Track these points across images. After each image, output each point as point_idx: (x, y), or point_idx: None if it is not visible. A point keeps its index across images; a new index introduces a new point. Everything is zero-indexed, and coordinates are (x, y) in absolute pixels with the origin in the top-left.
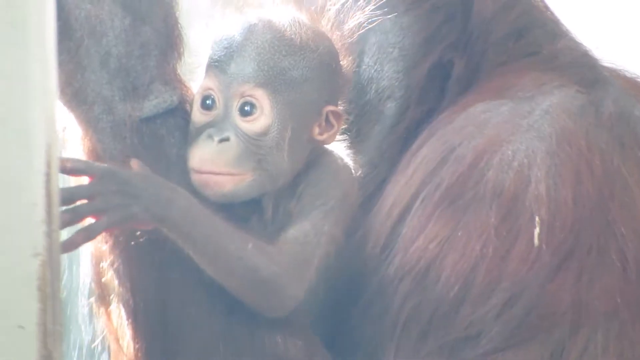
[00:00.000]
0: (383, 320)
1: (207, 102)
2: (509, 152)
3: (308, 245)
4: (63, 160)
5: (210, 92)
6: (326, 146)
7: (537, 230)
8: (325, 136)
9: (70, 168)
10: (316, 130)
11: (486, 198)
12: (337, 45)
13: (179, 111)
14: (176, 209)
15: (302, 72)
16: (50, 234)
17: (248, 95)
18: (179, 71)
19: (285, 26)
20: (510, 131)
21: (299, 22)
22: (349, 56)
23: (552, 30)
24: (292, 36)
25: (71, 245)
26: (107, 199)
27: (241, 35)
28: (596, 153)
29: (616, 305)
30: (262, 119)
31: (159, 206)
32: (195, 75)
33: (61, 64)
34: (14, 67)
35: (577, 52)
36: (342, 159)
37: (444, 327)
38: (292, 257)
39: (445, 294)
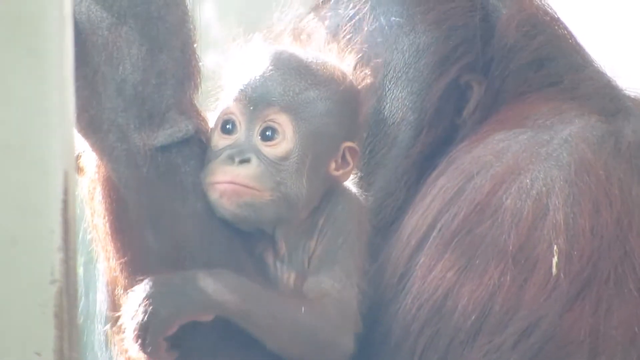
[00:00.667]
0: (401, 349)
1: (228, 126)
2: (527, 181)
3: (347, 291)
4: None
5: (232, 116)
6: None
7: (555, 260)
8: (340, 172)
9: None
10: (333, 165)
11: (504, 226)
12: (359, 84)
13: (195, 141)
14: (224, 294)
15: (325, 104)
16: (67, 261)
17: (270, 120)
18: (195, 101)
19: (313, 58)
20: (529, 160)
21: (324, 57)
22: (369, 98)
23: (575, 60)
24: (319, 68)
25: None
26: (143, 308)
27: (268, 61)
28: (615, 183)
29: (634, 334)
30: (284, 144)
31: (202, 298)
32: (209, 103)
33: (77, 90)
34: (33, 94)
35: (600, 83)
36: (351, 190)
37: (462, 356)
38: (338, 310)
39: (462, 323)
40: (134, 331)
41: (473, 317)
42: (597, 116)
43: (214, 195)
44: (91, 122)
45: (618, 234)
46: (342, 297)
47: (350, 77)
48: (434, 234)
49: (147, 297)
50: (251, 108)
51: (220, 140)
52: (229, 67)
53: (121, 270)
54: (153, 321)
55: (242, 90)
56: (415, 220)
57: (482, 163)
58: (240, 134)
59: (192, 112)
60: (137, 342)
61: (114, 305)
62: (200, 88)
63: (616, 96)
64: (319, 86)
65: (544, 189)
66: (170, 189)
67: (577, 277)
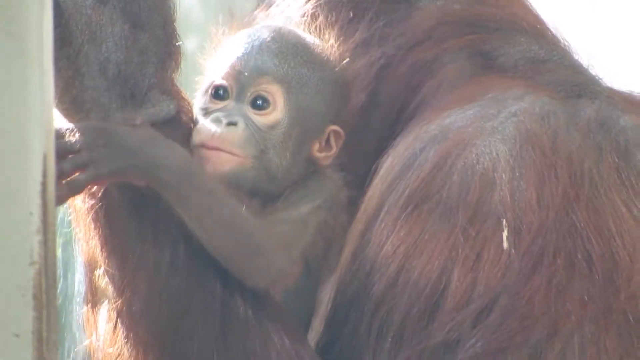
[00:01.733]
0: (359, 328)
1: (220, 91)
2: (473, 155)
3: (295, 228)
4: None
5: (225, 82)
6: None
7: (505, 233)
8: (323, 155)
9: (59, 132)
10: (316, 146)
11: (451, 201)
12: (351, 75)
13: (177, 121)
14: (170, 167)
15: (318, 83)
16: (45, 243)
17: (263, 89)
18: (175, 81)
19: (311, 39)
20: (474, 134)
21: (321, 41)
22: (358, 90)
23: (541, 50)
24: (316, 48)
25: (59, 199)
26: (93, 151)
27: (267, 33)
28: (562, 156)
29: (587, 308)
30: (274, 114)
31: (150, 162)
32: (190, 86)
33: (60, 70)
34: (12, 77)
35: (563, 73)
36: (331, 173)
37: (419, 333)
38: (281, 233)
39: (416, 299)
40: (76, 161)
41: (427, 294)
42: (550, 94)
43: (197, 159)
44: (73, 101)
45: (565, 206)
46: (290, 230)
47: (343, 62)
48: (383, 211)
49: (88, 144)
50: (245, 74)
51: (210, 104)
52: (223, 43)
53: (100, 251)
54: (99, 165)
55: (238, 57)
56: (367, 199)
57: (427, 139)
58: (231, 100)
59: (174, 92)
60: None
61: (93, 286)
62: (180, 68)
63: (583, 83)
64: (314, 65)
65: (489, 163)
66: None
67: (528, 251)
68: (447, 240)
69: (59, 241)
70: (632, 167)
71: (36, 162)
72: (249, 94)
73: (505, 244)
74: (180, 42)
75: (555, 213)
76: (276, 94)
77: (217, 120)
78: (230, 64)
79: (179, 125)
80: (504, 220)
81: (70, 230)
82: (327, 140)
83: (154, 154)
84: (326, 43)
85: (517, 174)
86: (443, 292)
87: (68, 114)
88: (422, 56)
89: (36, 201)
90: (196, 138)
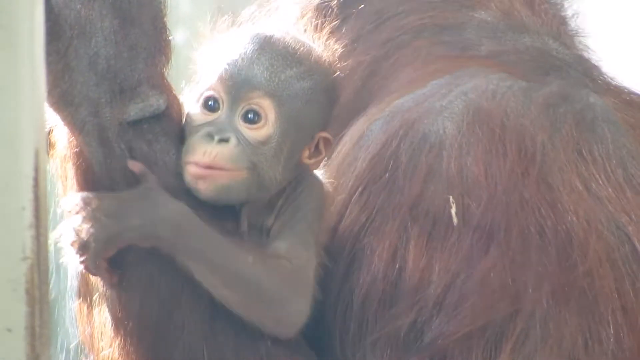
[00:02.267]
0: (326, 313)
1: (210, 102)
2: (420, 134)
3: (304, 259)
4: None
5: (215, 93)
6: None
7: (453, 210)
8: (312, 161)
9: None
10: (306, 153)
11: (399, 180)
12: (338, 73)
13: (166, 116)
14: (168, 226)
15: (309, 93)
16: (38, 238)
17: (254, 103)
18: (166, 75)
19: (300, 45)
20: (422, 113)
21: (310, 43)
22: (343, 90)
23: (517, 28)
24: (306, 56)
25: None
26: (86, 228)
27: (257, 43)
28: (512, 132)
29: (545, 283)
30: (265, 129)
31: (147, 225)
32: (180, 80)
33: (49, 64)
34: (3, 71)
35: (528, 54)
36: (315, 175)
37: (382, 316)
38: (294, 273)
39: (372, 281)
40: (75, 249)
41: (383, 276)
42: (510, 71)
43: (190, 177)
44: (63, 96)
45: (514, 181)
46: (299, 263)
47: (333, 68)
48: (337, 194)
49: (92, 215)
50: (236, 89)
51: (200, 116)
52: (214, 44)
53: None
54: (93, 242)
55: (227, 69)
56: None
57: (376, 120)
58: (222, 113)
59: (164, 87)
60: (79, 259)
61: (85, 281)
62: (170, 63)
63: (553, 64)
64: (304, 75)
65: (436, 140)
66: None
67: (479, 226)
68: (397, 220)
69: (51, 236)
70: (596, 141)
71: (28, 157)
72: (240, 108)
73: (454, 220)
74: (170, 37)
75: (503, 188)
76: (267, 108)
77: (208, 136)
78: (220, 74)
79: (169, 120)
80: (451, 197)
81: None
82: (317, 146)
83: (148, 215)
84: (317, 46)
85: (465, 151)
86: (400, 273)
87: (58, 108)
88: (387, 35)
89: (28, 196)
90: (188, 155)
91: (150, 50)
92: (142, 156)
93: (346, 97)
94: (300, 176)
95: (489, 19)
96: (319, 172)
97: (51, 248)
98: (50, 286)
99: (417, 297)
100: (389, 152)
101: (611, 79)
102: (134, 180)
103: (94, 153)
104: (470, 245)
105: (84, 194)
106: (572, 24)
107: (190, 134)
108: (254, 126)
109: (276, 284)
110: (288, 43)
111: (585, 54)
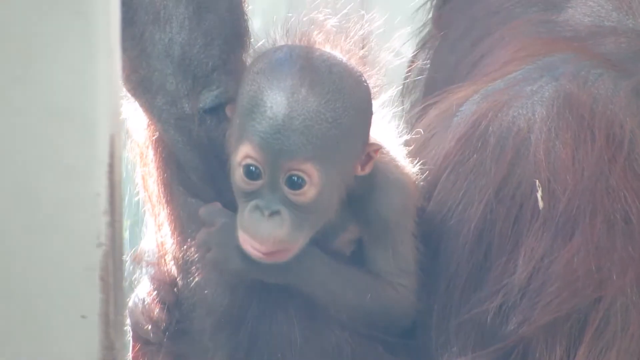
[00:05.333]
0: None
1: (251, 168)
2: (509, 117)
3: (407, 284)
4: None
5: (254, 162)
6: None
7: (539, 194)
8: (366, 169)
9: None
10: (358, 168)
11: (487, 163)
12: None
13: None
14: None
15: (346, 130)
16: (113, 224)
17: (296, 170)
18: (243, 62)
19: (328, 83)
20: (512, 96)
21: (338, 68)
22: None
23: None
24: (336, 96)
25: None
26: (213, 252)
27: (283, 103)
28: (601, 118)
29: (629, 271)
30: (312, 190)
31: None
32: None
33: (126, 50)
34: (79, 58)
35: (635, 36)
36: (393, 171)
37: (467, 299)
38: (397, 300)
39: (457, 264)
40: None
41: (467, 258)
42: (601, 58)
43: (249, 252)
44: (140, 82)
45: (601, 167)
46: (404, 291)
47: (362, 75)
48: (426, 171)
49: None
50: (274, 158)
51: (244, 185)
52: (249, 81)
53: (171, 233)
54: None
55: (262, 137)
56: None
57: (464, 100)
58: (265, 181)
59: (240, 73)
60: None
61: (160, 270)
62: (249, 48)
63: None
64: (341, 115)
65: (525, 124)
66: (220, 152)
67: (564, 211)
68: (483, 202)
69: (126, 223)
70: None
71: (103, 143)
72: (282, 176)
73: (540, 204)
74: (248, 23)
75: (590, 174)
76: (310, 170)
77: (257, 210)
78: (256, 142)
79: None
80: (537, 181)
81: (138, 212)
82: (367, 155)
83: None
84: (348, 63)
85: (553, 135)
86: (485, 256)
87: (135, 94)
88: (499, 3)
89: (103, 182)
90: (243, 235)
91: (225, 36)
92: (221, 143)
93: (450, 62)
94: (371, 176)
95: None
96: (398, 157)
97: (126, 235)
98: (125, 273)
99: (502, 282)
100: (477, 133)
101: None
102: (216, 167)
103: (172, 140)
104: (555, 231)
105: (217, 210)
106: None
107: (239, 200)
108: (300, 191)
109: (385, 312)
110: (316, 88)
111: None
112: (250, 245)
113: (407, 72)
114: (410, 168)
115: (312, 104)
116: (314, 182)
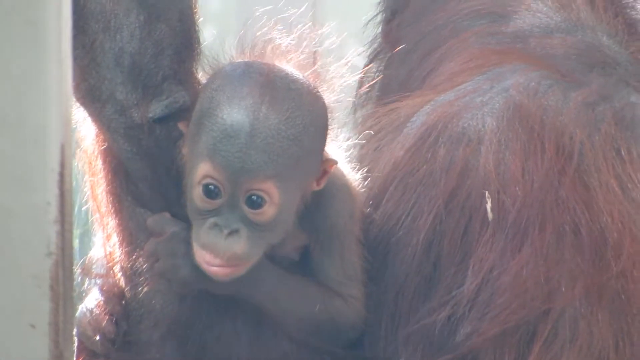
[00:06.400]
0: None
1: (211, 189)
2: (459, 128)
3: (355, 294)
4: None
5: (214, 181)
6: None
7: (489, 205)
8: (321, 184)
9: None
10: (314, 184)
11: (436, 174)
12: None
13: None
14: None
15: (305, 147)
16: (63, 234)
17: (256, 189)
18: (195, 71)
19: (287, 100)
20: (462, 107)
21: (296, 85)
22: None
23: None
24: (296, 113)
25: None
26: (161, 262)
27: (245, 122)
28: (551, 130)
29: (577, 283)
30: (271, 209)
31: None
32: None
33: (76, 58)
34: (30, 66)
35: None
36: (339, 178)
37: (416, 310)
38: (347, 312)
39: (406, 274)
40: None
41: (416, 269)
42: (552, 68)
43: (204, 267)
44: (90, 91)
45: (550, 179)
46: (354, 302)
47: (319, 93)
48: (370, 180)
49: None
50: (234, 177)
51: (203, 204)
52: (208, 95)
53: (119, 244)
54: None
55: (223, 156)
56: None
57: (414, 111)
58: (224, 200)
59: (190, 83)
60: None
61: (109, 281)
62: (199, 58)
63: (600, 60)
64: (301, 136)
65: (475, 135)
66: (169, 162)
67: (514, 223)
68: (432, 214)
69: (76, 232)
70: (636, 141)
71: (54, 152)
72: (242, 195)
73: (490, 216)
74: (199, 33)
75: (539, 185)
76: (270, 190)
77: (216, 227)
78: (215, 160)
79: None
80: (487, 192)
81: (88, 222)
82: (323, 170)
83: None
84: (306, 79)
85: (503, 147)
86: (434, 267)
87: (84, 103)
88: (447, 15)
89: (54, 191)
90: (197, 243)
91: (176, 47)
92: (170, 153)
93: (401, 75)
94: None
95: (545, 9)
96: (342, 165)
97: (76, 244)
98: (75, 282)
99: (451, 293)
100: (427, 144)
101: None
102: (165, 177)
103: (121, 150)
104: (504, 242)
105: (165, 219)
106: None
107: (195, 217)
108: (259, 210)
109: (333, 322)
110: (276, 107)
111: None
112: (206, 261)
113: (359, 86)
114: (354, 175)
115: (272, 122)
116: (274, 201)
